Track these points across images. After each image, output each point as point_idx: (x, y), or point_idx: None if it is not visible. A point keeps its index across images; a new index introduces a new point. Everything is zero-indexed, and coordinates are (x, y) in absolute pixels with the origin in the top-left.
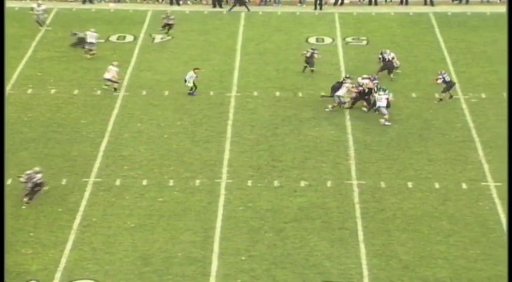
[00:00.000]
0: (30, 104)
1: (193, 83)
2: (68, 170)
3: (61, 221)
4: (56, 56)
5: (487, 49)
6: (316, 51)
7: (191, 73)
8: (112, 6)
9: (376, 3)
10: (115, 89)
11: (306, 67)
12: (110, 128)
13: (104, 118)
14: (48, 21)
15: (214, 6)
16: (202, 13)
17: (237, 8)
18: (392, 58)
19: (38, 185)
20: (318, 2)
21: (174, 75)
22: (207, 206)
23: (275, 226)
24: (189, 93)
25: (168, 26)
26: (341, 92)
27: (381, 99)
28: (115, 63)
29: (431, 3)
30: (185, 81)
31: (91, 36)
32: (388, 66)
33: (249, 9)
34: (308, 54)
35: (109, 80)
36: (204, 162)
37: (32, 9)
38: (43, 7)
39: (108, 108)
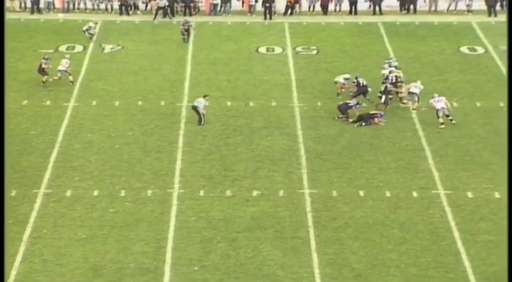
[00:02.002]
0: None
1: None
2: (18, 182)
3: (11, 232)
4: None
5: (435, 58)
6: None
7: (202, 100)
8: (61, 16)
9: (326, 13)
10: (72, 82)
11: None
12: (60, 138)
13: (53, 129)
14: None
15: (164, 16)
16: (152, 23)
17: (186, 18)
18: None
19: None
20: (268, 11)
21: (125, 85)
22: (159, 217)
23: (228, 236)
24: (200, 124)
25: (186, 33)
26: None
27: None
28: (67, 56)
29: (380, 13)
30: (194, 108)
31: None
32: (362, 91)
33: (170, 18)
34: None
35: (64, 71)
36: (155, 172)
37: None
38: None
39: (58, 118)
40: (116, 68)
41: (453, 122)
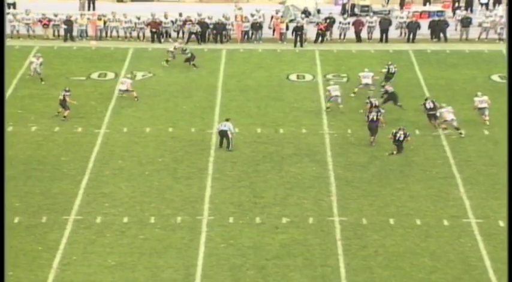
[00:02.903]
0: (11, 142)
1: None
2: (48, 208)
3: (41, 259)
4: (37, 94)
5: (466, 86)
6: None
7: (228, 123)
8: (94, 44)
9: (360, 40)
10: (136, 98)
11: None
12: (90, 165)
13: (84, 155)
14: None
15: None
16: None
17: (219, 45)
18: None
19: None
20: (299, 39)
21: (155, 112)
22: (188, 243)
23: (257, 263)
24: (228, 149)
25: (189, 60)
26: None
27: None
28: (128, 75)
29: (412, 41)
30: (223, 132)
31: None
32: (392, 97)
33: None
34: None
35: (125, 90)
36: (185, 199)
37: (30, 63)
38: (41, 60)
39: (89, 145)
40: (147, 95)
41: (462, 135)
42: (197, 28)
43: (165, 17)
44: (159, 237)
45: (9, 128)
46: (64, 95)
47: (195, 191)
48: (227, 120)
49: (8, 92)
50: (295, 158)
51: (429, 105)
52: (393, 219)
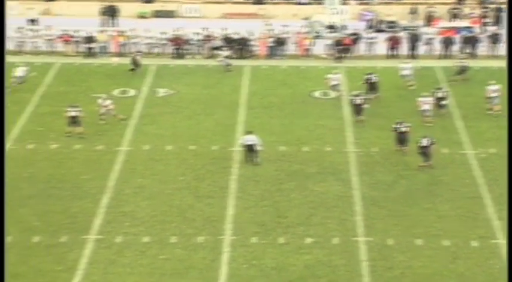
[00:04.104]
0: (31, 160)
1: None
2: (68, 227)
3: (60, 279)
4: (57, 111)
5: None
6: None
7: (254, 137)
8: (115, 60)
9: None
10: (122, 119)
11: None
12: (111, 183)
13: (105, 173)
14: (51, 77)
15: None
16: (206, 66)
17: (242, 62)
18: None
19: None
20: (340, 53)
21: (177, 129)
22: (210, 264)
23: None
24: (256, 161)
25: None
26: None
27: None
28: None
29: (445, 57)
30: (249, 146)
31: None
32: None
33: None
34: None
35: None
36: (207, 218)
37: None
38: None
39: (109, 163)
40: (168, 112)
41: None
42: (220, 44)
43: (188, 33)
44: (180, 257)
45: (29, 146)
46: (75, 112)
47: (217, 210)
48: (250, 133)
49: (29, 109)
50: (319, 177)
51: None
52: (420, 239)
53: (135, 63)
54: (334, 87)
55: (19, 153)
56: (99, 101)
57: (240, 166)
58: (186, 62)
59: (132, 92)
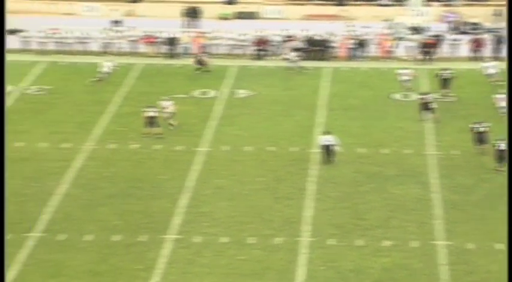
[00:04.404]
0: (112, 159)
1: None
2: (147, 227)
3: (139, 279)
4: (138, 111)
5: None
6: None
7: (332, 137)
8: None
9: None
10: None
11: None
12: (190, 184)
13: (184, 174)
14: (133, 78)
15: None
16: (285, 68)
17: (323, 63)
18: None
19: None
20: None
21: (257, 130)
22: (287, 265)
23: None
24: (332, 160)
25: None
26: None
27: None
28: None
29: None
30: (326, 147)
31: None
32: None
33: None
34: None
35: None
36: (285, 219)
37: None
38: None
39: (188, 163)
40: (248, 113)
41: None
42: (301, 45)
43: (269, 35)
44: (258, 258)
45: (111, 146)
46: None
47: (295, 212)
48: (328, 133)
49: (111, 109)
50: (399, 179)
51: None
52: (501, 244)
53: (201, 63)
54: (404, 83)
55: (101, 153)
56: (163, 103)
57: (318, 168)
58: (267, 63)
59: (212, 93)
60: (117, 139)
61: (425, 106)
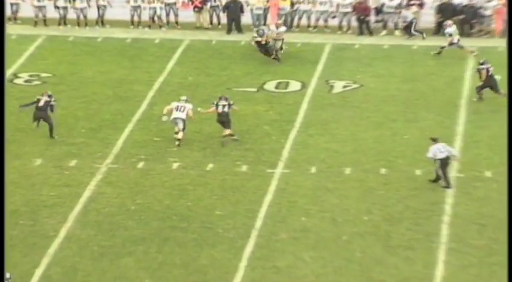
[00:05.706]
0: (141, 185)
1: None
2: None
3: None
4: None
5: None
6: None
7: (442, 145)
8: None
9: None
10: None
11: None
12: (258, 223)
13: (251, 208)
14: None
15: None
16: (409, 48)
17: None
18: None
19: None
20: None
21: (361, 143)
22: None
23: None
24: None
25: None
26: None
27: None
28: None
29: None
30: (440, 160)
31: None
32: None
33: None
34: None
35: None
36: (404, 280)
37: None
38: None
39: (257, 192)
40: (348, 116)
41: None
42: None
43: None
44: None
45: (139, 164)
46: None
47: (419, 269)
48: (435, 140)
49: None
50: None
51: None
52: None
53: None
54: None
55: (123, 177)
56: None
57: (456, 200)
58: (378, 41)
59: (294, 86)
60: (148, 154)
61: None
